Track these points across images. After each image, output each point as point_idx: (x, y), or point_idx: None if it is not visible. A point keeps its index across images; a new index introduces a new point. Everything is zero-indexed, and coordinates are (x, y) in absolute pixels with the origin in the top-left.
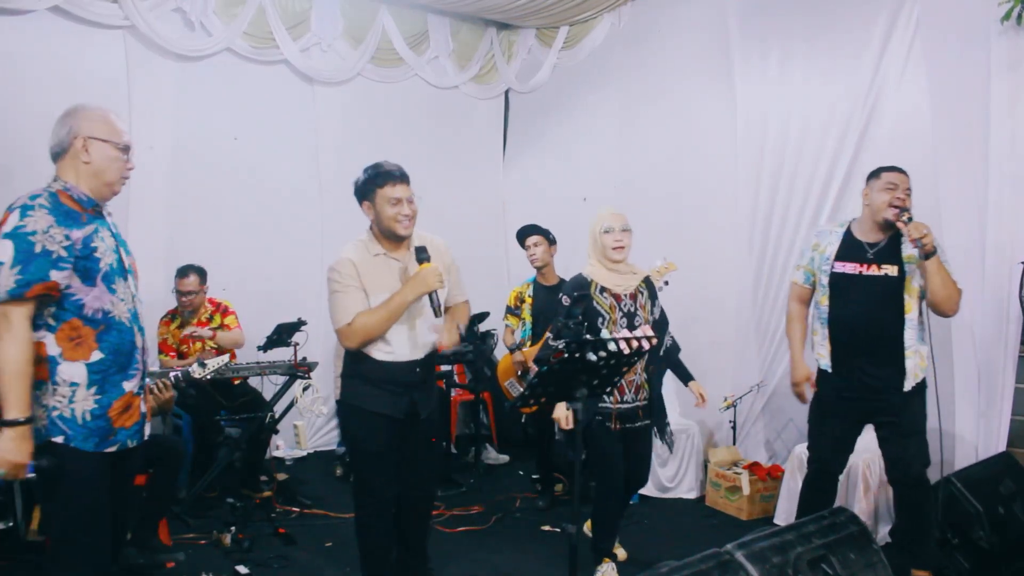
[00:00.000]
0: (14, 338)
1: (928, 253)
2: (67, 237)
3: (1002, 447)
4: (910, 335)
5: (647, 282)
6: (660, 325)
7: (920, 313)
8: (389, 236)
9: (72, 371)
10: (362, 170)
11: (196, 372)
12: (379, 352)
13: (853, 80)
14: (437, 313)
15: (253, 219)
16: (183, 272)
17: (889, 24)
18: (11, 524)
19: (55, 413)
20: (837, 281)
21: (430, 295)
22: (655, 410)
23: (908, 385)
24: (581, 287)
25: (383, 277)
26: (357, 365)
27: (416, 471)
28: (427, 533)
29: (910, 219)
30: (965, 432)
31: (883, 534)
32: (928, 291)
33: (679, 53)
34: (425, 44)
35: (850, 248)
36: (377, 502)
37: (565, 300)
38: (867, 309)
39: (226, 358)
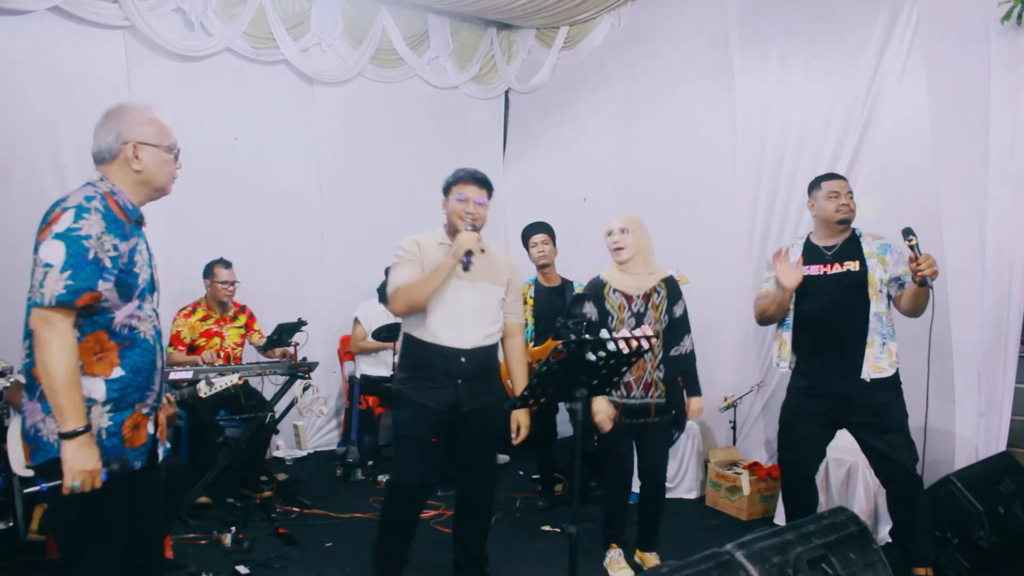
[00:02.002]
0: (63, 346)
1: (922, 281)
2: (115, 248)
3: (1002, 447)
4: (873, 325)
5: (668, 283)
6: (678, 326)
7: (885, 308)
8: (453, 232)
9: (91, 386)
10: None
11: (202, 391)
12: (423, 333)
13: (853, 80)
14: (466, 268)
15: (253, 219)
16: (228, 263)
17: (889, 24)
18: (11, 524)
19: None
20: (804, 283)
21: (464, 258)
22: (674, 404)
23: (866, 374)
24: (595, 288)
25: (440, 259)
26: (408, 350)
27: (470, 470)
28: (485, 535)
29: (917, 245)
30: (965, 432)
31: (883, 534)
32: (901, 300)
33: (679, 53)
34: (425, 44)
35: (811, 254)
36: (404, 497)
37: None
38: (831, 303)
39: (235, 378)
